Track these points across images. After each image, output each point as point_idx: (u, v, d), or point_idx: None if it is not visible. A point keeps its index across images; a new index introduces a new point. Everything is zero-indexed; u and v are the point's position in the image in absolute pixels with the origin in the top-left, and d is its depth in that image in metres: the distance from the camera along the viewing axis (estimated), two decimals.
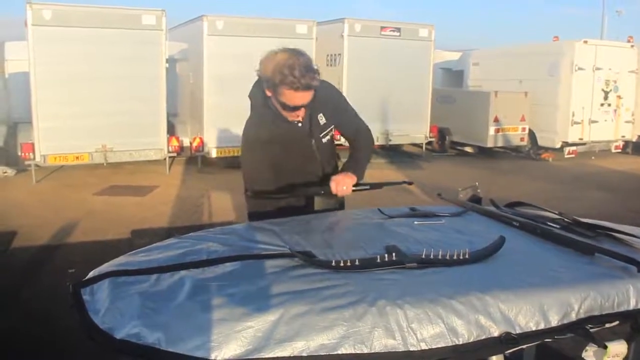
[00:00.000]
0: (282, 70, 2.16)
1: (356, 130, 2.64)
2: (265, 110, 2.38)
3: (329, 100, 2.50)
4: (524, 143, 12.84)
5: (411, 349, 1.38)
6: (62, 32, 8.66)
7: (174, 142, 9.88)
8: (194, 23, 10.49)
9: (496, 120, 12.34)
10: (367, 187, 2.53)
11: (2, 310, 4.02)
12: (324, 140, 2.52)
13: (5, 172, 9.41)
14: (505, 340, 1.45)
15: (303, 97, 2.24)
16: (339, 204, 2.64)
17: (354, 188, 2.46)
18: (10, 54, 11.37)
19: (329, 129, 2.53)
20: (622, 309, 1.61)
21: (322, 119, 2.48)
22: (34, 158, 8.80)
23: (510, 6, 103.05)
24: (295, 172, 2.51)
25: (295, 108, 2.29)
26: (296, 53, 2.21)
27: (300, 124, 2.43)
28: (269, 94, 2.30)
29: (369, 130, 2.70)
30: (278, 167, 2.46)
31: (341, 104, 2.59)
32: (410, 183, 3.02)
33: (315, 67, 2.24)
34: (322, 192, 2.47)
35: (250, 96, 2.45)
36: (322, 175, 2.54)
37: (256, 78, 2.47)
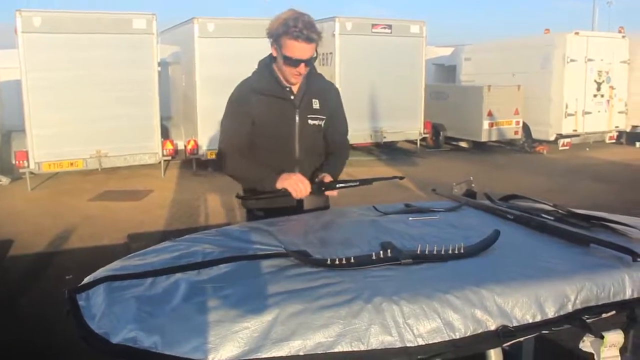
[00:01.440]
0: (286, 23, 2.27)
1: (340, 142, 2.67)
2: (266, 72, 2.46)
3: (328, 94, 2.58)
4: (518, 136, 12.87)
5: (408, 345, 1.38)
6: (53, 39, 8.64)
7: (169, 146, 9.87)
8: (185, 26, 10.47)
9: (490, 114, 12.36)
10: (357, 183, 2.50)
11: (0, 318, 4.00)
12: (310, 122, 2.49)
13: (0, 181, 9.38)
14: (503, 334, 1.45)
15: (303, 50, 2.30)
16: (325, 203, 2.62)
17: (343, 185, 2.44)
18: (1, 62, 11.31)
19: (319, 116, 2.52)
20: (618, 298, 1.61)
21: (315, 104, 2.50)
22: (28, 166, 8.78)
23: (500, 0, 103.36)
24: (269, 149, 2.48)
25: (297, 62, 2.32)
26: (301, 12, 2.32)
27: (293, 97, 2.46)
28: (274, 53, 2.39)
29: (349, 153, 2.78)
30: (255, 137, 2.45)
31: (338, 106, 2.65)
32: (401, 178, 2.92)
33: (319, 30, 2.32)
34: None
35: (259, 62, 2.53)
36: (295, 160, 2.48)
37: None
